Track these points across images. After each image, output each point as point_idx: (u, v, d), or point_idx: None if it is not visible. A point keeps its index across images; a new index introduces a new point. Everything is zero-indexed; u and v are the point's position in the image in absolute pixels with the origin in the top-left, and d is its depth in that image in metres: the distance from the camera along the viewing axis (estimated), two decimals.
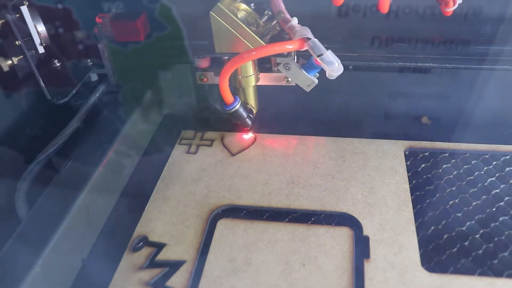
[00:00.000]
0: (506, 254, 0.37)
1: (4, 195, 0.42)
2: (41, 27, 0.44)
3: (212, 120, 0.55)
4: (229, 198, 0.44)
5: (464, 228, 0.39)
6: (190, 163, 0.49)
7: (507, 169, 0.45)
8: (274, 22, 0.42)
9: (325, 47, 0.39)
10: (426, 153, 0.48)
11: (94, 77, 0.54)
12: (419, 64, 0.49)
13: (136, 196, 0.45)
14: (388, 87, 0.55)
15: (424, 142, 0.49)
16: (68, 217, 0.38)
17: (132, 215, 0.43)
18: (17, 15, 0.42)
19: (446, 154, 0.48)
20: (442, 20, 0.44)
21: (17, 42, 0.43)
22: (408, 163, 0.47)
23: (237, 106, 0.45)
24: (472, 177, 0.45)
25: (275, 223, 0.41)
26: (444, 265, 0.36)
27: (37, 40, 0.44)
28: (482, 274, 0.36)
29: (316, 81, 0.43)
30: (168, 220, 0.42)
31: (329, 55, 0.38)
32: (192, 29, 0.47)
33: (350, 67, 0.51)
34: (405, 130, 0.51)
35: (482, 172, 0.45)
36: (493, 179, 0.44)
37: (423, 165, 0.47)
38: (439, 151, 0.48)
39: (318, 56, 0.38)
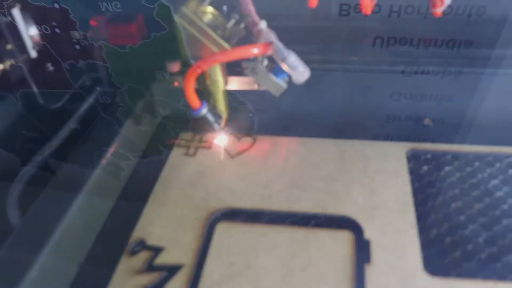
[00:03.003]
0: (509, 257, 0.36)
1: None
2: (34, 31, 0.44)
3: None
4: (228, 201, 0.43)
5: (467, 232, 0.39)
6: (189, 166, 0.48)
7: (511, 171, 0.45)
8: (241, 25, 0.41)
9: (322, 47, 0.38)
10: (428, 155, 0.47)
11: (89, 80, 0.54)
12: (422, 67, 0.49)
13: (134, 199, 0.45)
14: (390, 88, 0.55)
15: (426, 144, 0.49)
16: (65, 220, 0.38)
17: (129, 218, 0.42)
18: (9, 18, 0.42)
19: (449, 156, 0.47)
20: (444, 22, 0.44)
21: (8, 46, 0.43)
22: (410, 165, 0.46)
23: (204, 111, 0.44)
24: (475, 180, 0.44)
25: (275, 227, 0.40)
26: (447, 269, 0.36)
27: (29, 44, 0.44)
28: (485, 277, 0.35)
29: (285, 85, 0.42)
30: (166, 223, 0.42)
31: (293, 59, 0.38)
32: None
33: (351, 69, 0.51)
34: (407, 132, 0.51)
35: (485, 175, 0.45)
36: (496, 181, 0.44)
37: (425, 168, 0.46)
38: (441, 153, 0.48)
39: (282, 60, 0.38)
